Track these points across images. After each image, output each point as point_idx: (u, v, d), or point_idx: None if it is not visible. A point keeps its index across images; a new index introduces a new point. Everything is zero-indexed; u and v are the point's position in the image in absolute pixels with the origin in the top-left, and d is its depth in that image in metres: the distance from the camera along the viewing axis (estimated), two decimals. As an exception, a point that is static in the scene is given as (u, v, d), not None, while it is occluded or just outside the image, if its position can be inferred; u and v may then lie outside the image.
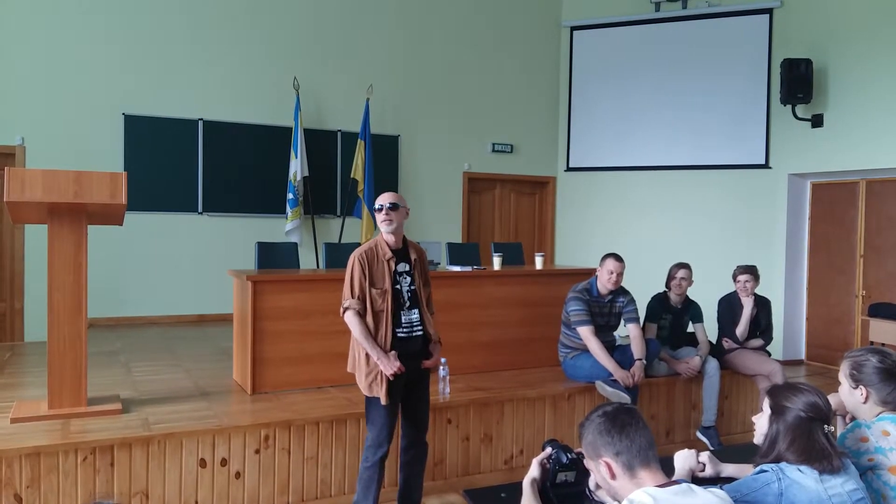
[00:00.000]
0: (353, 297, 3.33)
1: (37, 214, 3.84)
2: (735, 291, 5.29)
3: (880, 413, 2.22)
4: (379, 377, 3.29)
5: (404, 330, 3.38)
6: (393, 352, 3.31)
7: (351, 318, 3.33)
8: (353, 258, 3.38)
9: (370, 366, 3.32)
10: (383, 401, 3.28)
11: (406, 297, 3.40)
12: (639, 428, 1.75)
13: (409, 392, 3.47)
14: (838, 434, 2.23)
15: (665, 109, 8.28)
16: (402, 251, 3.46)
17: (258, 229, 7.38)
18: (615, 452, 1.74)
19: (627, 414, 1.78)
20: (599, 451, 1.77)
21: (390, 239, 3.43)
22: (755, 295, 5.21)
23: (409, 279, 3.43)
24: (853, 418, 2.33)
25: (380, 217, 3.40)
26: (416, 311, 3.43)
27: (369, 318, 3.33)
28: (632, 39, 8.48)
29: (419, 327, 3.44)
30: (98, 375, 4.62)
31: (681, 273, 5.14)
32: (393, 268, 3.38)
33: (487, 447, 4.42)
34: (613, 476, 1.74)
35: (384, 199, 3.41)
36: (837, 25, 7.01)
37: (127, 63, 7.01)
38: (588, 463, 1.84)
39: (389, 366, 3.26)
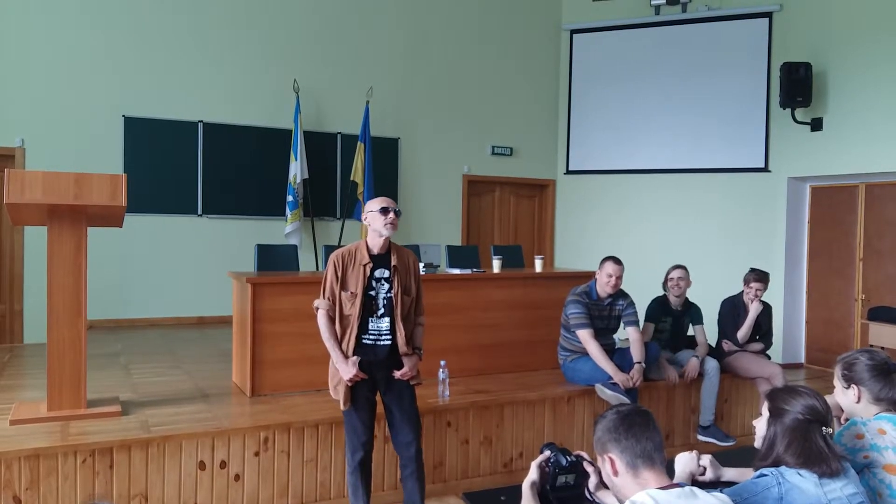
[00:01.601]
0: (323, 297, 3.36)
1: (37, 216, 3.84)
2: (739, 294, 5.29)
3: (877, 413, 2.24)
4: (341, 381, 3.31)
5: (370, 337, 3.34)
6: (354, 357, 3.29)
7: (319, 319, 3.36)
8: (330, 259, 3.40)
9: (332, 372, 3.36)
10: (342, 405, 3.32)
11: (381, 304, 3.35)
12: (647, 430, 1.77)
13: (385, 405, 3.47)
14: (835, 433, 2.24)
15: (665, 113, 8.29)
16: (384, 257, 3.39)
17: (258, 231, 7.38)
18: (620, 450, 1.77)
19: (640, 415, 1.81)
20: (606, 447, 1.81)
21: (375, 244, 3.37)
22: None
23: (386, 286, 3.37)
24: (846, 420, 2.34)
25: (384, 219, 3.31)
26: (388, 319, 3.36)
27: (337, 322, 3.34)
28: (632, 43, 8.49)
29: (388, 336, 3.36)
30: (97, 377, 4.62)
31: (676, 273, 5.14)
32: (369, 273, 3.33)
33: (487, 450, 4.41)
34: (616, 473, 1.78)
35: (391, 203, 3.36)
36: (837, 29, 7.03)
37: (127, 65, 7.01)
38: (596, 458, 1.88)
39: (347, 371, 3.26)
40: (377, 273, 3.35)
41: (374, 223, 3.35)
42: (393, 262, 3.39)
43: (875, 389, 2.24)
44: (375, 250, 3.38)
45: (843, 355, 2.38)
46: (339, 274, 3.33)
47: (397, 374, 3.38)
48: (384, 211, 3.32)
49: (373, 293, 3.34)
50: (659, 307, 5.22)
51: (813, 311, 7.52)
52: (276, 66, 7.60)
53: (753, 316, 5.17)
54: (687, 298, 5.25)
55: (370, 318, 3.34)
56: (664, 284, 5.22)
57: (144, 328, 6.96)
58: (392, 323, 3.37)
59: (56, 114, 6.74)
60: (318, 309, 3.38)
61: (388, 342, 3.36)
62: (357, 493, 3.40)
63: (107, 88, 6.93)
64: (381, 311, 3.35)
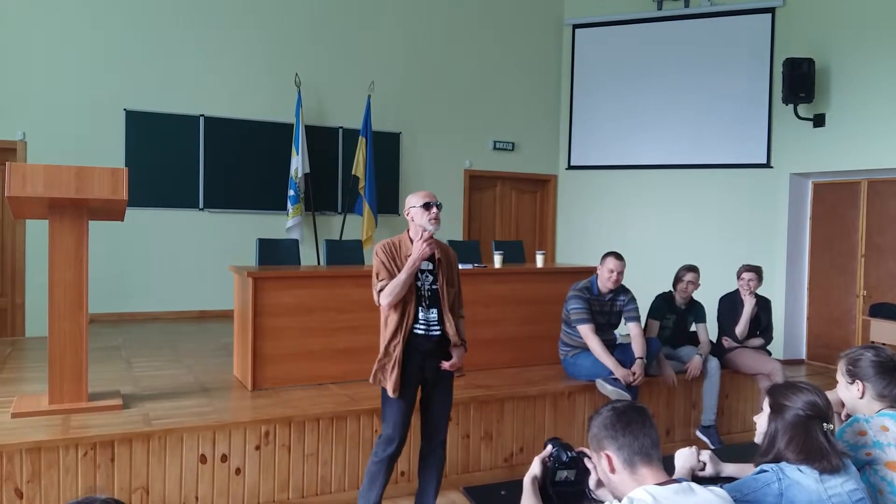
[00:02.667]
0: (379, 280, 3.30)
1: (38, 210, 3.84)
2: (737, 290, 5.29)
3: (879, 409, 2.23)
4: (388, 367, 3.28)
5: (421, 327, 3.34)
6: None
7: (385, 290, 3.26)
8: (376, 250, 3.38)
9: (381, 357, 3.32)
10: (391, 392, 3.26)
11: (426, 296, 3.35)
12: (644, 426, 1.76)
13: (425, 393, 3.45)
14: (837, 430, 2.24)
15: (667, 108, 8.27)
16: None
17: (259, 226, 7.38)
18: (617, 447, 1.75)
19: (636, 412, 1.79)
20: (602, 444, 1.79)
21: (417, 236, 3.36)
22: (756, 294, 5.21)
23: (431, 278, 3.38)
24: (848, 416, 2.34)
25: (428, 215, 3.30)
26: (436, 310, 3.37)
27: (393, 312, 3.30)
28: (634, 38, 8.47)
29: (437, 327, 3.36)
30: (99, 371, 4.62)
31: (688, 277, 5.13)
32: None
33: (488, 445, 4.42)
34: (613, 470, 1.76)
35: (433, 197, 3.34)
36: (840, 25, 7.00)
37: (128, 59, 7.00)
38: (592, 456, 1.86)
39: (418, 246, 3.20)
40: (422, 265, 3.35)
41: (417, 219, 3.34)
42: (437, 255, 3.39)
43: (879, 386, 2.23)
44: None
45: (847, 351, 2.36)
46: (390, 260, 3.31)
47: (446, 364, 3.38)
48: (427, 206, 3.31)
49: (418, 284, 3.34)
50: (664, 304, 5.21)
51: (814, 308, 7.52)
52: (278, 60, 7.59)
53: (749, 310, 5.17)
54: (692, 297, 5.25)
55: (419, 309, 3.34)
56: (674, 283, 5.21)
57: (145, 322, 6.97)
58: (440, 314, 3.37)
59: (57, 107, 6.73)
60: (381, 290, 3.29)
61: (438, 333, 3.37)
62: (375, 483, 3.36)
63: (108, 82, 6.93)
64: (427, 301, 3.36)
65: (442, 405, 3.47)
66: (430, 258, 3.38)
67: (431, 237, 3.27)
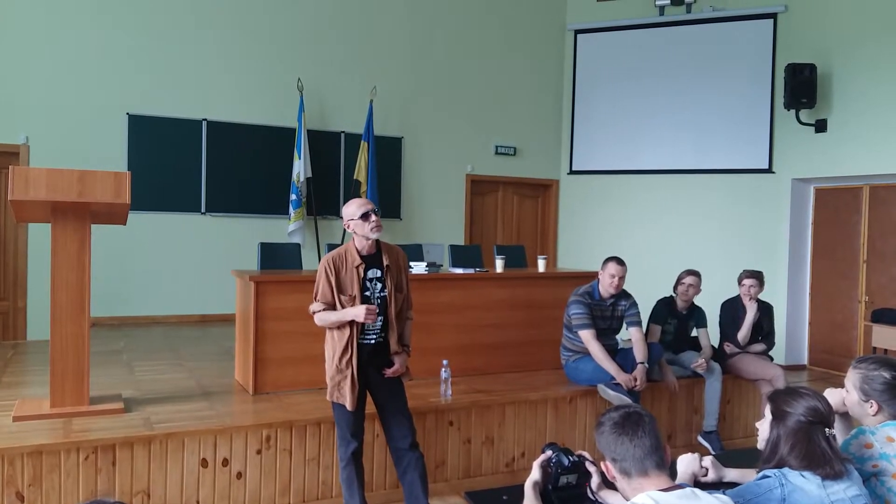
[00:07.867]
0: (316, 301, 3.39)
1: (41, 213, 3.85)
2: (738, 296, 5.28)
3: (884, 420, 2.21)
4: (340, 384, 3.34)
5: (366, 337, 3.38)
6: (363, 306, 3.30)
7: (318, 316, 3.38)
8: (321, 264, 3.42)
9: (332, 374, 3.37)
10: (349, 407, 3.32)
11: (375, 303, 3.38)
12: (637, 436, 1.75)
13: (375, 400, 3.50)
14: (840, 438, 2.21)
15: (669, 113, 8.28)
16: (374, 257, 3.42)
17: (261, 230, 7.39)
18: (612, 458, 1.78)
19: (630, 421, 1.79)
20: (605, 455, 1.83)
21: (363, 246, 3.40)
22: (758, 300, 5.21)
23: (379, 285, 3.41)
24: (845, 413, 2.31)
25: (368, 224, 3.34)
26: (382, 317, 3.41)
27: (340, 327, 3.35)
28: (636, 43, 8.49)
29: (381, 335, 3.41)
30: (100, 375, 4.62)
31: (689, 280, 5.13)
32: (362, 274, 3.37)
33: (489, 449, 4.41)
34: (615, 478, 1.80)
35: (368, 205, 3.37)
36: (842, 31, 7.01)
37: (131, 63, 7.02)
38: (599, 464, 1.90)
39: (359, 312, 3.25)
40: (370, 273, 3.40)
41: (359, 230, 3.39)
42: (385, 262, 3.43)
43: (894, 409, 2.19)
44: (364, 252, 3.42)
45: (861, 362, 2.27)
46: (332, 279, 3.35)
47: (388, 372, 3.43)
48: (366, 216, 3.35)
49: (367, 294, 3.38)
50: (665, 308, 5.20)
51: (816, 313, 7.51)
52: (281, 64, 7.61)
53: (752, 316, 5.15)
54: (693, 302, 5.24)
55: None
56: (675, 287, 5.21)
57: (147, 326, 6.97)
58: (386, 321, 3.41)
59: (60, 111, 6.75)
60: (315, 312, 3.39)
61: (381, 340, 3.41)
62: (352, 487, 3.41)
63: (111, 86, 6.95)
64: (377, 310, 3.38)
65: (398, 411, 3.49)
66: (378, 265, 3.42)
67: (374, 312, 3.29)
